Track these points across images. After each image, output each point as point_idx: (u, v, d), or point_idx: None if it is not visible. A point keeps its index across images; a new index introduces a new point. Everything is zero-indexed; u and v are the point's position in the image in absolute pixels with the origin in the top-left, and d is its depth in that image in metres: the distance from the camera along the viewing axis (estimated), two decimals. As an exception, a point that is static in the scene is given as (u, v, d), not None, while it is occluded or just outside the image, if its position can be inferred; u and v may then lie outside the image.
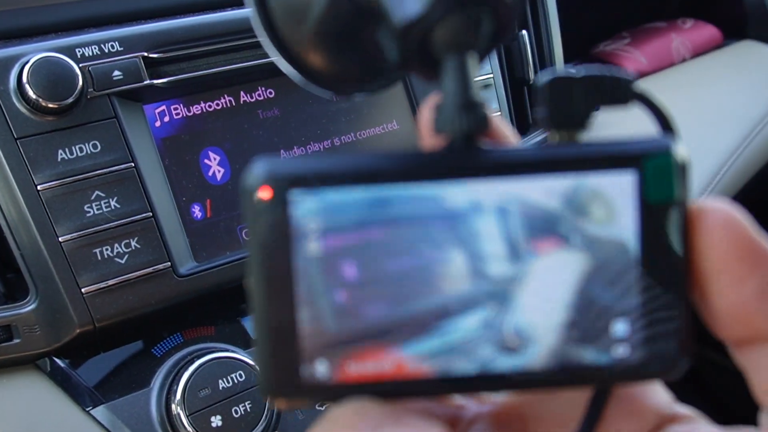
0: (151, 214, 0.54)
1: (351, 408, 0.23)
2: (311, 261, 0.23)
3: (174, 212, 0.56)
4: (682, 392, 0.32)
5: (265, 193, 0.22)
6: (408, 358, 0.23)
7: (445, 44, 0.23)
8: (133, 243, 0.53)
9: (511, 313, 0.23)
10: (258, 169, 0.23)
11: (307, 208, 0.23)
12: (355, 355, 0.23)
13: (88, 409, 0.53)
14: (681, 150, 0.24)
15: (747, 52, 1.07)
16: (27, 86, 0.50)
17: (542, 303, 0.24)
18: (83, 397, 0.53)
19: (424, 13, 0.23)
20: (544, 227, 0.23)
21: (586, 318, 0.24)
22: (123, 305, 0.53)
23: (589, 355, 0.24)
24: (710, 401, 1.25)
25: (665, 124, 0.26)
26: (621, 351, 0.24)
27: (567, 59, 0.90)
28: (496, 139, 0.27)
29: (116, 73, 0.54)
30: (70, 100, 0.51)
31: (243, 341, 0.57)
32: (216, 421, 0.52)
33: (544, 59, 0.78)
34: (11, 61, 0.51)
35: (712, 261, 0.23)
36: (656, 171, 0.23)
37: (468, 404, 0.28)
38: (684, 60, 1.03)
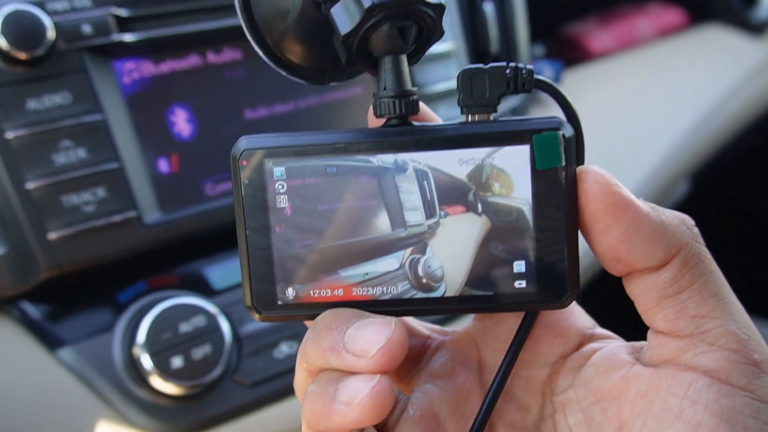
0: (119, 165, 0.56)
1: (328, 312, 0.30)
2: (280, 212, 0.30)
3: (141, 165, 0.58)
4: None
5: (245, 161, 0.30)
6: (348, 288, 0.31)
7: (380, 49, 0.31)
8: (100, 192, 0.55)
9: (425, 257, 0.30)
10: (242, 143, 0.31)
11: (278, 174, 0.30)
12: (314, 285, 0.31)
13: (54, 351, 0.55)
14: (566, 128, 0.30)
15: (710, 35, 1.10)
16: (-2, 37, 0.52)
17: (451, 253, 0.30)
18: (50, 339, 0.55)
19: (355, 28, 0.29)
20: (455, 195, 0.30)
21: (489, 263, 0.30)
22: (90, 252, 0.55)
23: (488, 291, 0.30)
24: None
25: (564, 105, 0.32)
26: (520, 285, 0.30)
27: (535, 39, 0.92)
28: (425, 119, 0.33)
29: (86, 27, 0.56)
30: (41, 52, 0.53)
31: (206, 290, 0.59)
32: (176, 362, 0.54)
33: (507, 33, 0.81)
34: (-17, 12, 0.53)
35: (588, 214, 0.28)
36: (544, 144, 0.29)
37: (433, 335, 0.36)
38: (649, 42, 1.06)
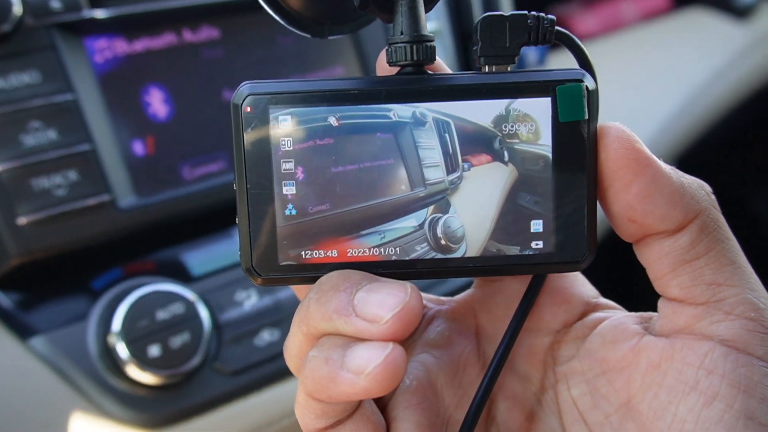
0: (91, 146, 0.54)
1: (334, 273, 0.28)
2: (286, 165, 0.28)
3: (115, 147, 0.56)
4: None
5: (248, 108, 0.28)
6: (359, 248, 0.29)
7: None
8: (72, 175, 0.53)
9: (445, 216, 0.28)
10: (244, 88, 0.28)
11: (285, 123, 0.28)
12: (321, 243, 0.29)
13: (25, 341, 0.53)
14: (589, 80, 0.28)
15: (694, 19, 1.09)
16: (-38, 12, 0.49)
17: (474, 209, 0.28)
18: (21, 328, 0.53)
19: None
20: (479, 144, 0.28)
21: (513, 219, 0.28)
22: (61, 237, 0.53)
23: (511, 250, 0.29)
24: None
25: (583, 59, 0.31)
26: (537, 245, 0.29)
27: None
28: (439, 71, 0.31)
29: (55, 3, 0.53)
30: (7, 28, 0.51)
31: (184, 277, 0.57)
32: (153, 350, 0.52)
33: (492, 13, 0.79)
34: (-54, -14, 0.50)
35: (608, 170, 0.28)
36: (568, 96, 0.28)
37: (429, 304, 0.34)
38: (633, 25, 1.06)
